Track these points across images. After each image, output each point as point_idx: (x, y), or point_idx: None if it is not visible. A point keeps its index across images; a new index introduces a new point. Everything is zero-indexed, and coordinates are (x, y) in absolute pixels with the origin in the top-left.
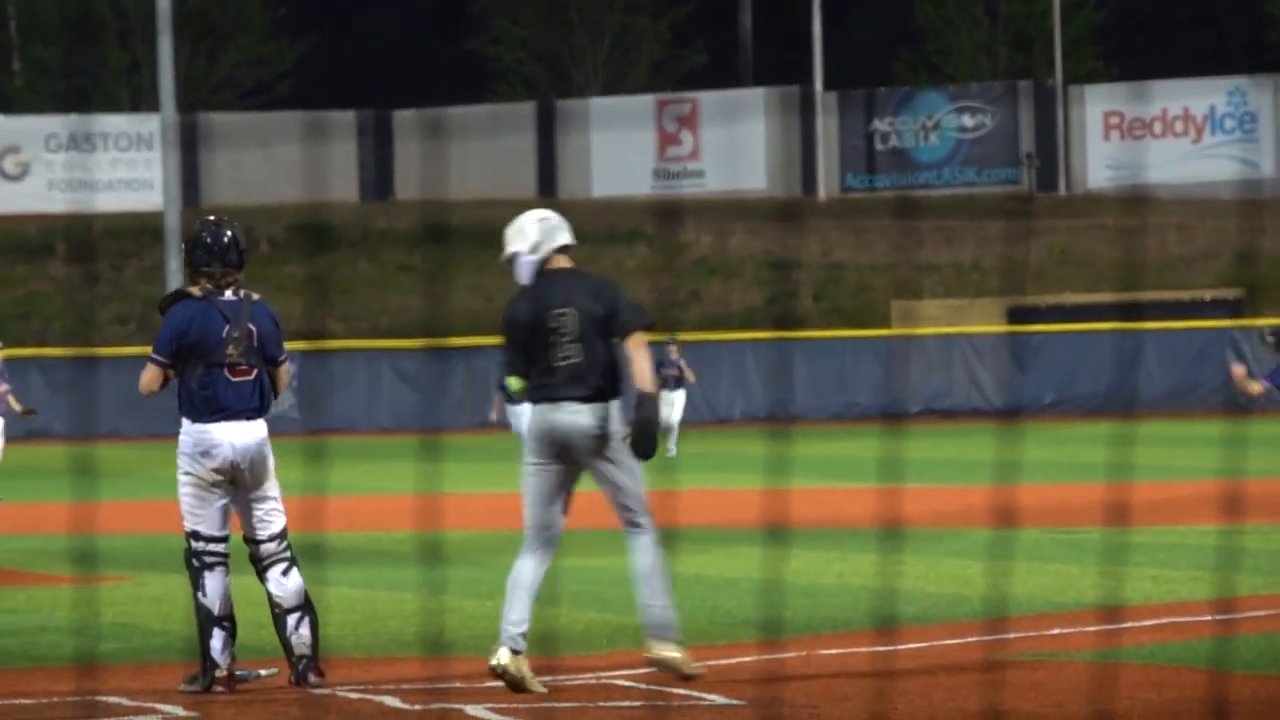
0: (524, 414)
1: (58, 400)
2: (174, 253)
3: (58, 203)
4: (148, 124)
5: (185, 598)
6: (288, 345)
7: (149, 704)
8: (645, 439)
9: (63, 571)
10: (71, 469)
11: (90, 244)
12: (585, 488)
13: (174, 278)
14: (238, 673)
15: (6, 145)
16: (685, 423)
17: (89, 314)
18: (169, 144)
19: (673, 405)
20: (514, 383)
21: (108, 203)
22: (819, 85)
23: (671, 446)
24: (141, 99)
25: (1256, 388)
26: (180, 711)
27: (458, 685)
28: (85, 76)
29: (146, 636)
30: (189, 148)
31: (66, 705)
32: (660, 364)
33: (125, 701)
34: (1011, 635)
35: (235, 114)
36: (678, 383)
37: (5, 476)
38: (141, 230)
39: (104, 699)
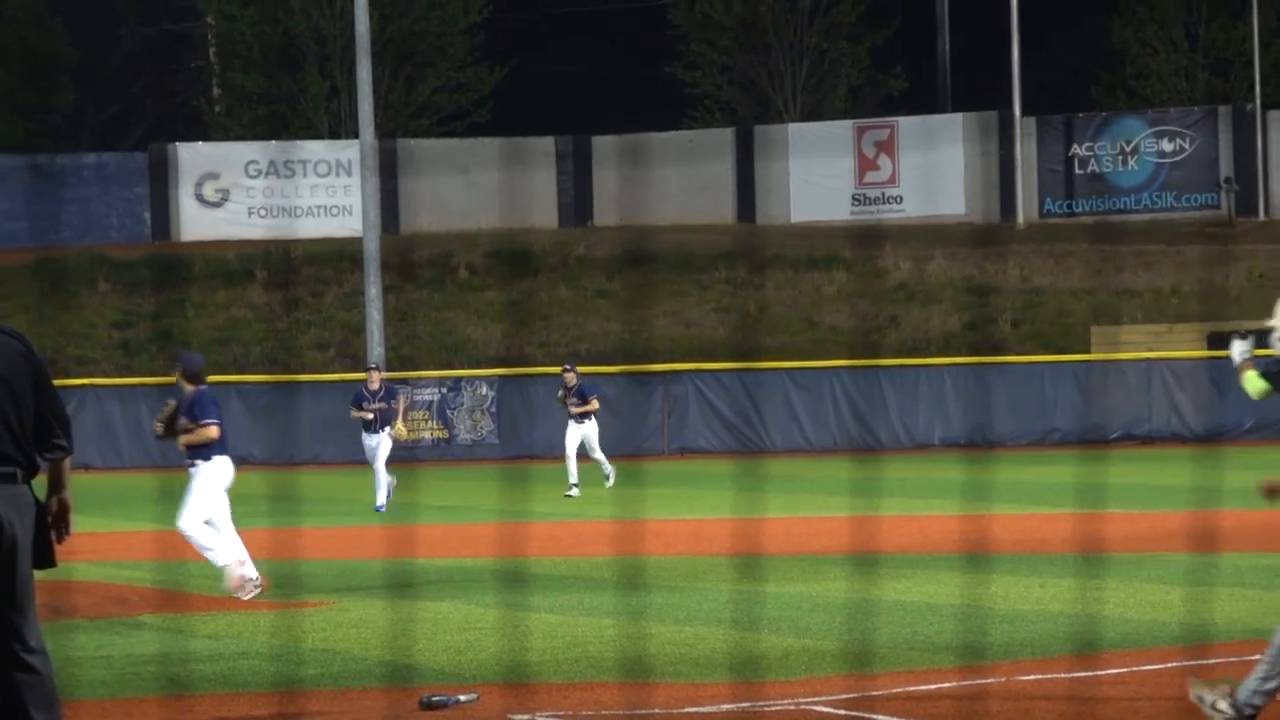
0: (381, 448)
1: (257, 426)
2: (374, 279)
3: (257, 229)
4: (347, 150)
5: (385, 623)
6: (481, 372)
7: None
8: None
9: (263, 597)
10: (271, 494)
11: (290, 270)
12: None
13: (374, 304)
14: (435, 698)
15: (207, 172)
16: (885, 447)
17: (289, 340)
18: (368, 170)
19: (583, 437)
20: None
21: (307, 229)
22: (1018, 110)
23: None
24: (341, 125)
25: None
26: None
27: (656, 711)
28: (285, 103)
29: (347, 662)
30: (388, 174)
31: None
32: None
33: None
34: (1212, 661)
35: (434, 140)
36: (581, 414)
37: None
38: (340, 256)
39: None
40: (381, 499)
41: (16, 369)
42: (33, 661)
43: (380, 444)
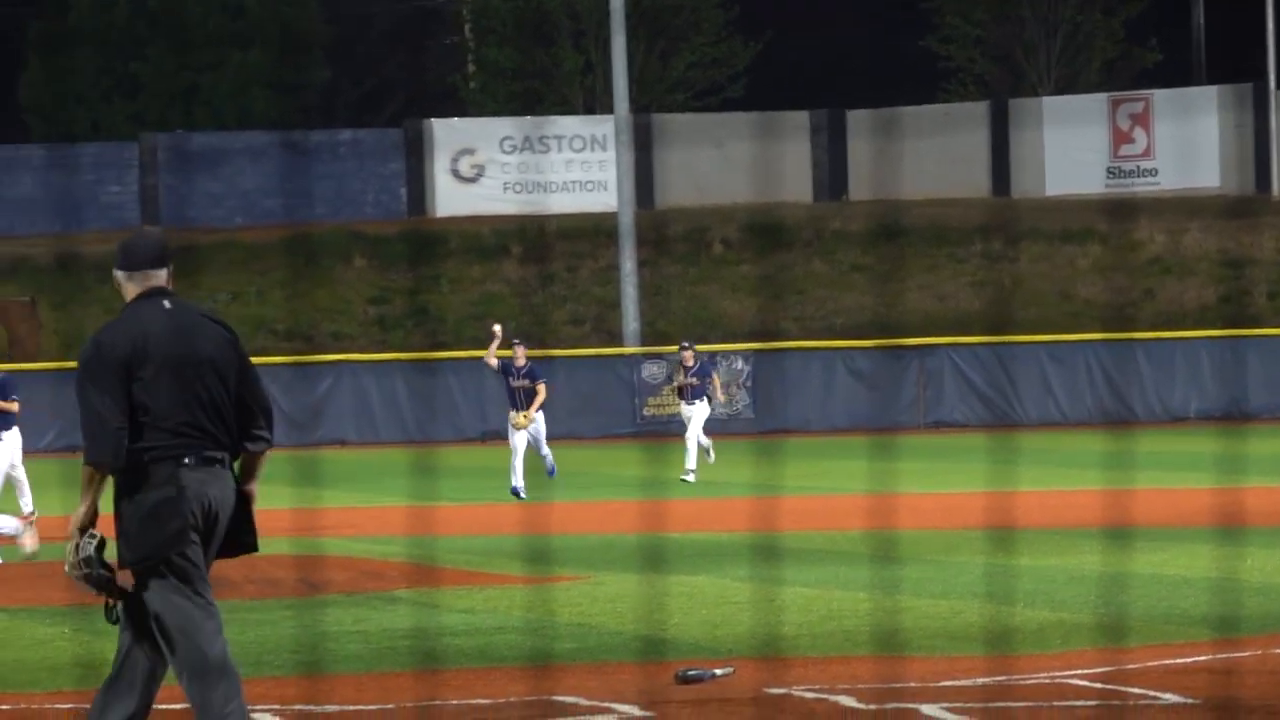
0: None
1: None
2: (629, 253)
3: (512, 204)
4: (601, 125)
5: (640, 597)
6: (736, 346)
7: (605, 703)
8: None
9: (518, 572)
10: (527, 470)
11: (544, 245)
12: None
13: (629, 278)
14: (691, 672)
15: (462, 147)
16: (1139, 420)
17: (544, 315)
18: (623, 145)
19: (689, 420)
20: None
21: (562, 204)
22: (1272, 82)
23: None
24: (595, 100)
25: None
26: (636, 711)
27: (912, 685)
28: (539, 78)
29: (602, 636)
30: (642, 148)
31: (523, 705)
32: (686, 369)
33: (582, 701)
34: None
35: (688, 115)
36: (696, 393)
37: (467, 477)
38: (595, 231)
39: (560, 699)
40: (550, 463)
41: (226, 357)
42: None
43: (535, 428)
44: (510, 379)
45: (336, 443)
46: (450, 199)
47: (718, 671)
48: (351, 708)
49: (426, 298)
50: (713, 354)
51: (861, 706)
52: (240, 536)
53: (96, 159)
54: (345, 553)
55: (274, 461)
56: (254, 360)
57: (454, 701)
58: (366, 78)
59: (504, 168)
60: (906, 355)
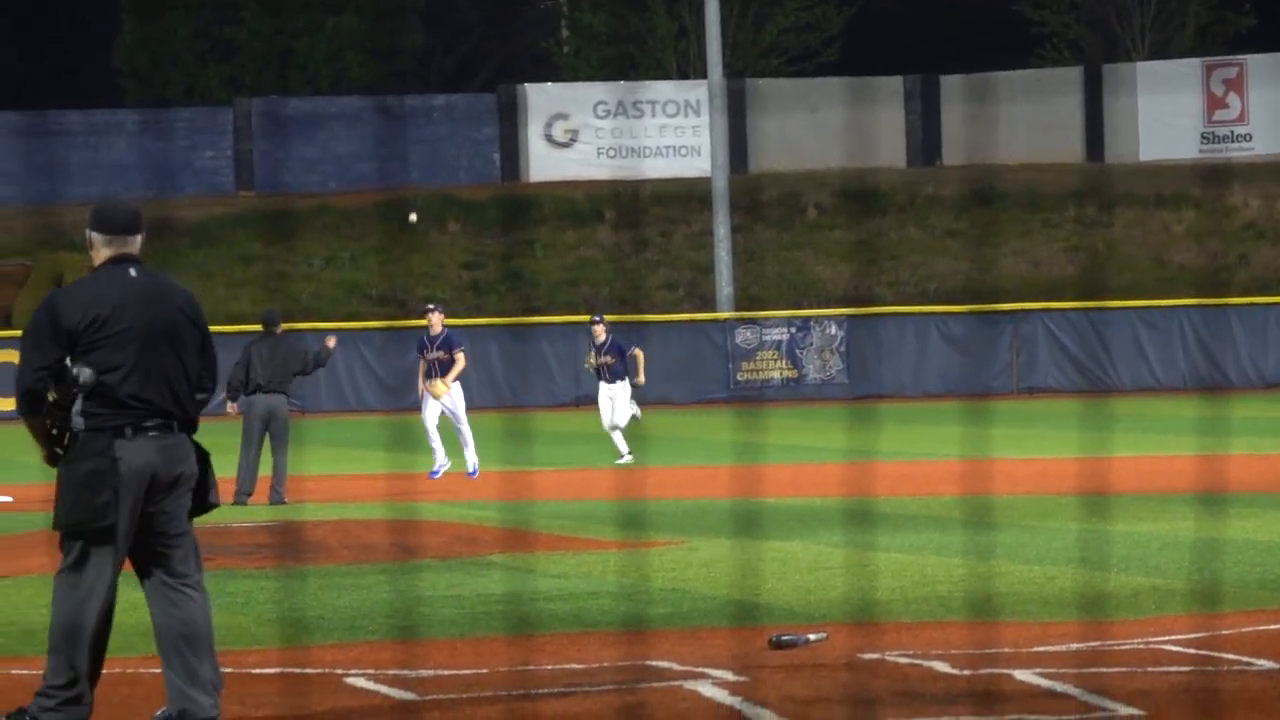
0: (455, 404)
1: None
2: (723, 218)
3: (605, 169)
4: (695, 90)
5: (734, 562)
6: (829, 312)
7: (699, 668)
8: None
9: (612, 537)
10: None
11: (638, 210)
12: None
13: (723, 244)
14: (785, 638)
15: (556, 112)
16: (1234, 386)
17: (637, 280)
18: (716, 110)
19: (612, 400)
20: None
21: (655, 169)
22: None
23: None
24: (689, 65)
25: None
26: (730, 676)
27: (1005, 650)
28: (633, 43)
29: (696, 601)
30: (736, 113)
31: (616, 670)
32: (596, 348)
33: (675, 666)
34: None
35: (782, 80)
36: (615, 373)
37: (561, 442)
38: (689, 196)
39: (653, 663)
40: (472, 461)
41: (186, 328)
42: (187, 592)
43: (451, 400)
44: (424, 352)
45: None
46: (544, 164)
47: (811, 637)
48: (446, 672)
49: (520, 263)
50: (806, 319)
51: (955, 672)
52: (204, 496)
53: (191, 124)
54: (439, 518)
55: (369, 426)
56: (348, 325)
57: (548, 666)
58: (460, 43)
59: (598, 133)
60: (1000, 321)
